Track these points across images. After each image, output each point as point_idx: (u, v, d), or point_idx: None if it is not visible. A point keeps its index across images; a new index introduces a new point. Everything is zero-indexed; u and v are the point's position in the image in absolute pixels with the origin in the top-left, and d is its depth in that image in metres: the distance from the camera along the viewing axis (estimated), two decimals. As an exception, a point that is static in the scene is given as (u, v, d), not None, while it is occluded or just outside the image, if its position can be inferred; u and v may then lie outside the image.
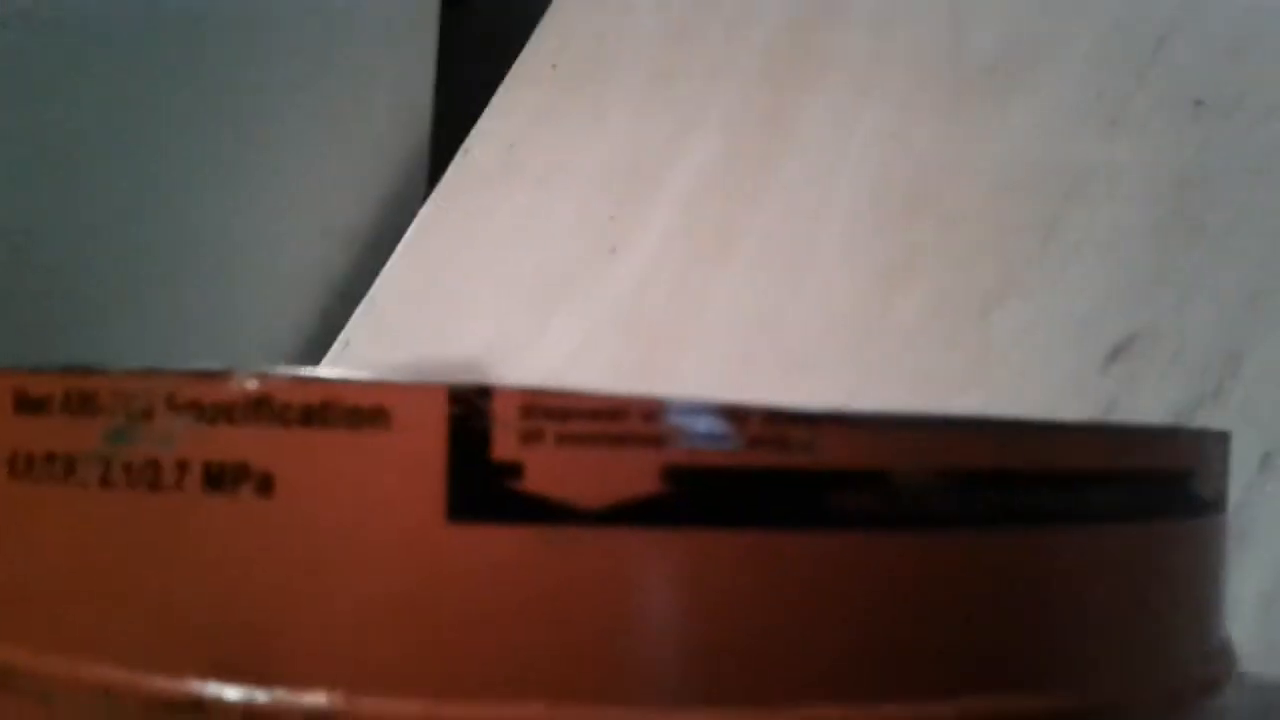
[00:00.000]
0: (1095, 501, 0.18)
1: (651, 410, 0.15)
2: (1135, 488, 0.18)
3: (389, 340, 0.68)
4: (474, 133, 0.72)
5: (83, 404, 0.17)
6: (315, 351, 0.69)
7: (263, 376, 0.16)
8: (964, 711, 0.16)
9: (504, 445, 0.15)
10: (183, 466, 0.16)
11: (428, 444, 0.15)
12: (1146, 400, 0.48)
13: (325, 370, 0.16)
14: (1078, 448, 0.17)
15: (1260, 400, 0.45)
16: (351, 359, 0.67)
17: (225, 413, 0.16)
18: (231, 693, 0.16)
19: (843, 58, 0.64)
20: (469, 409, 0.15)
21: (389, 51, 0.73)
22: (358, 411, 0.16)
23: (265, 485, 0.16)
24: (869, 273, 0.57)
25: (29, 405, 0.18)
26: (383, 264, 0.70)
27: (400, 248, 0.70)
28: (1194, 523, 0.20)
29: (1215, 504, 0.21)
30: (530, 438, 0.15)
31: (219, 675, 0.16)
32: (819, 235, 0.60)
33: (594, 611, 0.15)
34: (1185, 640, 0.20)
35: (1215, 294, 0.48)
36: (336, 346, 0.68)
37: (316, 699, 0.15)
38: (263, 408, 0.16)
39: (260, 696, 0.16)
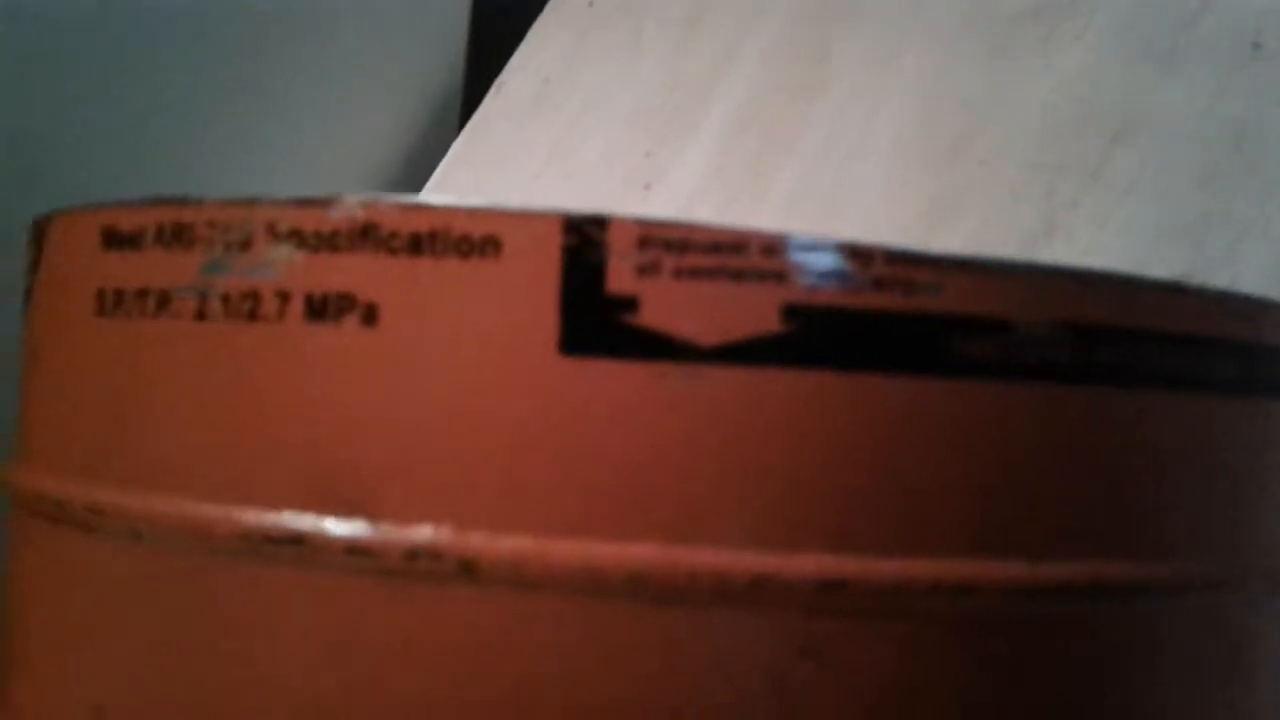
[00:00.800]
0: (1210, 368, 0.17)
1: (773, 244, 0.15)
2: (1251, 361, 0.18)
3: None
4: (509, 67, 0.72)
5: (177, 236, 0.17)
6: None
7: (369, 203, 0.15)
8: (1070, 574, 0.16)
9: (619, 277, 0.15)
10: (284, 297, 0.16)
11: (540, 274, 0.15)
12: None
13: (434, 197, 0.15)
14: (1198, 312, 0.17)
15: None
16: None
17: (329, 241, 0.16)
18: (333, 526, 0.15)
19: (883, 1, 0.63)
20: (584, 239, 0.15)
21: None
22: (468, 240, 0.15)
23: (370, 316, 0.15)
24: (910, 211, 0.56)
25: (118, 240, 0.17)
26: (417, 194, 0.70)
27: (433, 180, 0.70)
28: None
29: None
30: (647, 270, 0.15)
31: (320, 508, 0.15)
32: (859, 173, 0.59)
33: (710, 452, 0.15)
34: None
35: (1266, 240, 0.47)
36: (366, 277, 0.67)
37: (422, 533, 0.15)
38: (369, 235, 0.15)
39: (363, 530, 0.15)
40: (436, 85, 0.74)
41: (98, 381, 0.18)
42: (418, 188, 0.71)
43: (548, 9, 0.74)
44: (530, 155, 0.68)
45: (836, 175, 0.60)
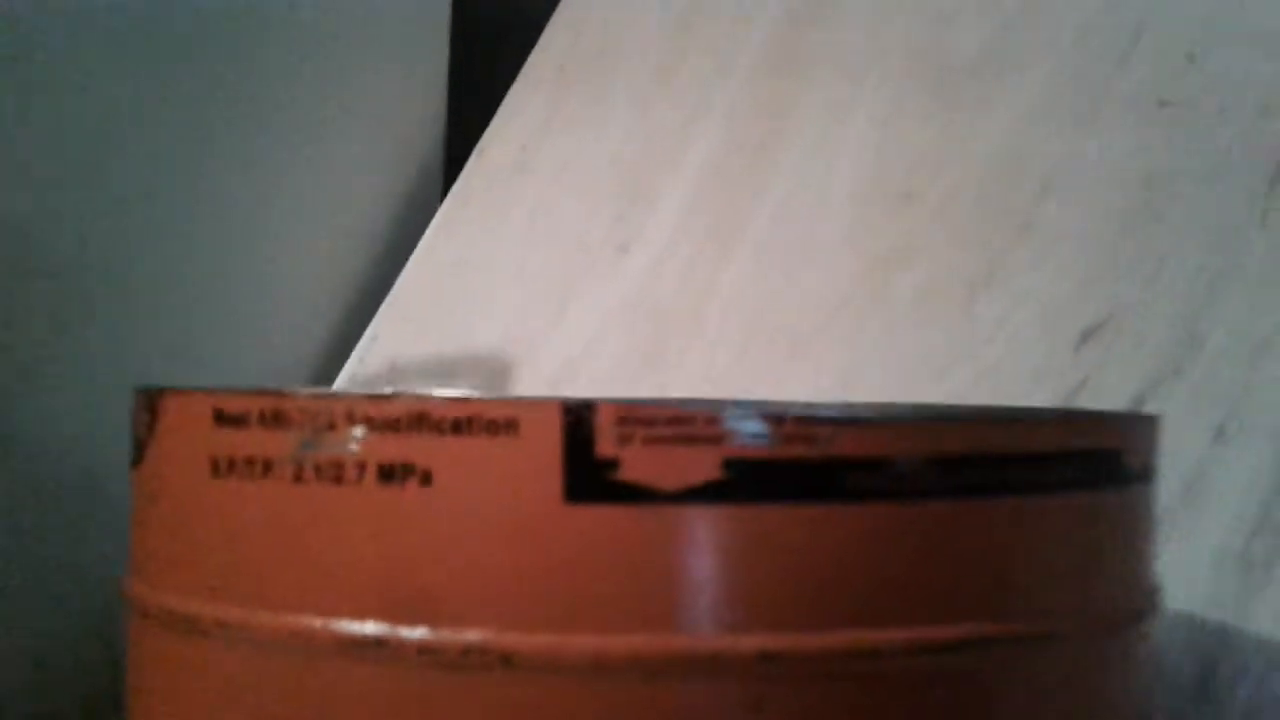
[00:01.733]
0: (1047, 476, 0.24)
1: (713, 416, 0.21)
2: (1079, 463, 0.24)
3: (413, 333, 0.74)
4: (487, 134, 0.78)
5: (276, 419, 0.23)
6: (344, 346, 0.74)
7: (422, 397, 0.22)
8: (951, 635, 0.22)
9: (605, 445, 0.21)
10: (361, 465, 0.22)
11: (548, 446, 0.21)
12: (1114, 379, 0.54)
13: (469, 391, 0.22)
14: (1038, 432, 0.24)
15: (1216, 378, 0.51)
16: (379, 352, 0.73)
17: (393, 425, 0.22)
18: (406, 632, 0.22)
19: (838, 54, 0.69)
20: (578, 418, 0.21)
21: (403, 61, 0.78)
22: (495, 423, 0.22)
23: (426, 478, 0.22)
24: (866, 260, 0.63)
25: (227, 419, 0.24)
26: (404, 262, 0.76)
27: (421, 246, 0.76)
28: (1124, 491, 0.26)
29: (1143, 476, 0.27)
30: (624, 439, 0.21)
31: (395, 619, 0.22)
32: (820, 225, 0.66)
33: (677, 566, 0.21)
34: (1117, 581, 0.26)
35: (1177, 281, 0.54)
36: (365, 340, 0.73)
37: (472, 635, 0.21)
38: (423, 421, 0.22)
39: (428, 634, 0.22)
40: (419, 152, 0.80)
41: (215, 526, 0.24)
42: (408, 248, 0.77)
43: (521, 76, 0.80)
44: (512, 219, 0.75)
45: (799, 227, 0.67)
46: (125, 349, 0.64)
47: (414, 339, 0.73)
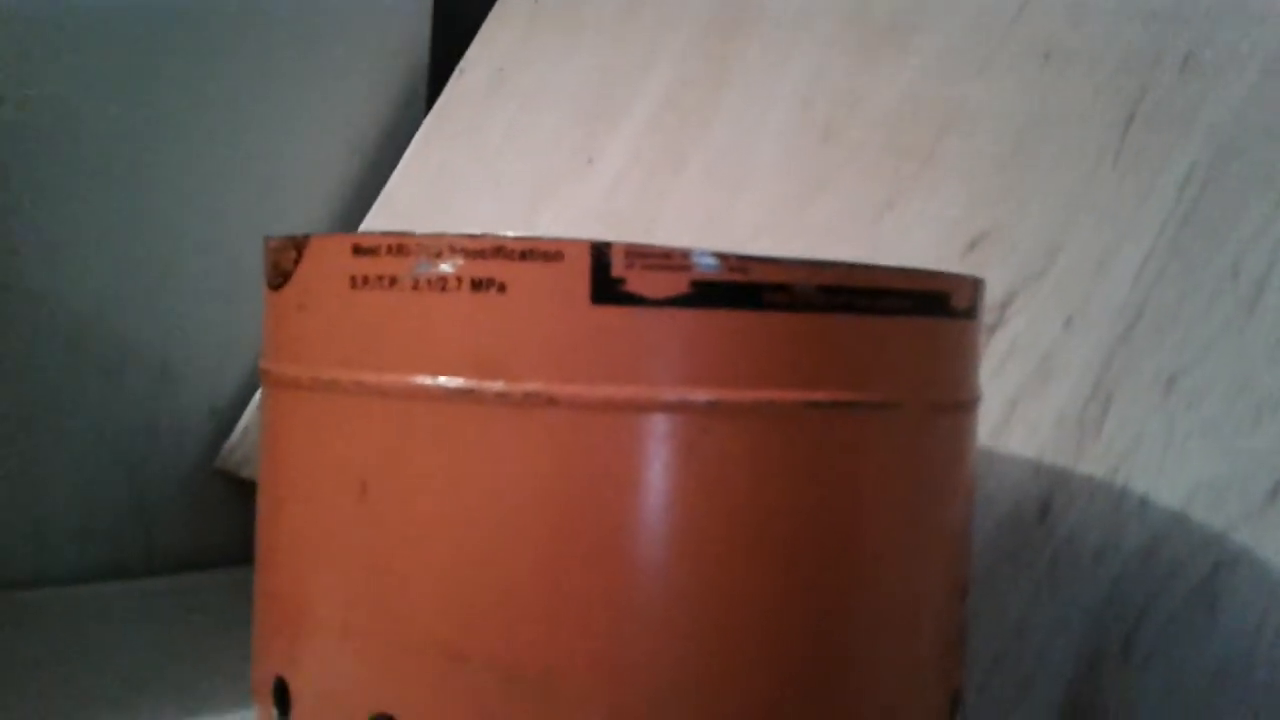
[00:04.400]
0: (895, 304, 0.39)
1: (685, 254, 0.36)
2: (915, 298, 0.40)
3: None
4: (466, 56, 0.91)
5: (400, 250, 0.38)
6: (338, 242, 0.88)
7: (500, 237, 0.36)
8: (825, 396, 0.38)
9: (617, 269, 0.36)
10: (459, 280, 0.37)
11: (581, 269, 0.36)
12: (991, 280, 0.70)
13: (535, 234, 0.36)
14: (886, 276, 0.39)
15: (1069, 282, 0.68)
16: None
17: (481, 253, 0.37)
18: (489, 385, 0.37)
19: (776, 12, 0.84)
20: (600, 252, 0.36)
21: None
22: (547, 253, 0.36)
23: (502, 288, 0.37)
24: (793, 183, 0.78)
25: (362, 250, 0.38)
26: (391, 170, 0.89)
27: (406, 157, 0.90)
28: (950, 321, 0.42)
29: (966, 314, 0.43)
30: (629, 266, 0.36)
31: (481, 377, 0.37)
32: (755, 154, 0.81)
33: (660, 339, 0.36)
34: (947, 377, 0.42)
35: (1043, 206, 0.70)
36: (358, 237, 0.87)
37: (531, 385, 0.36)
38: (500, 251, 0.37)
39: (503, 386, 0.36)
40: (404, 73, 0.93)
41: (353, 320, 0.39)
42: (395, 158, 0.91)
43: (498, 4, 0.93)
44: (489, 135, 0.89)
45: (738, 155, 0.82)
46: (144, 229, 0.77)
47: (402, 238, 0.86)
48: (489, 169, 0.87)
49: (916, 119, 0.76)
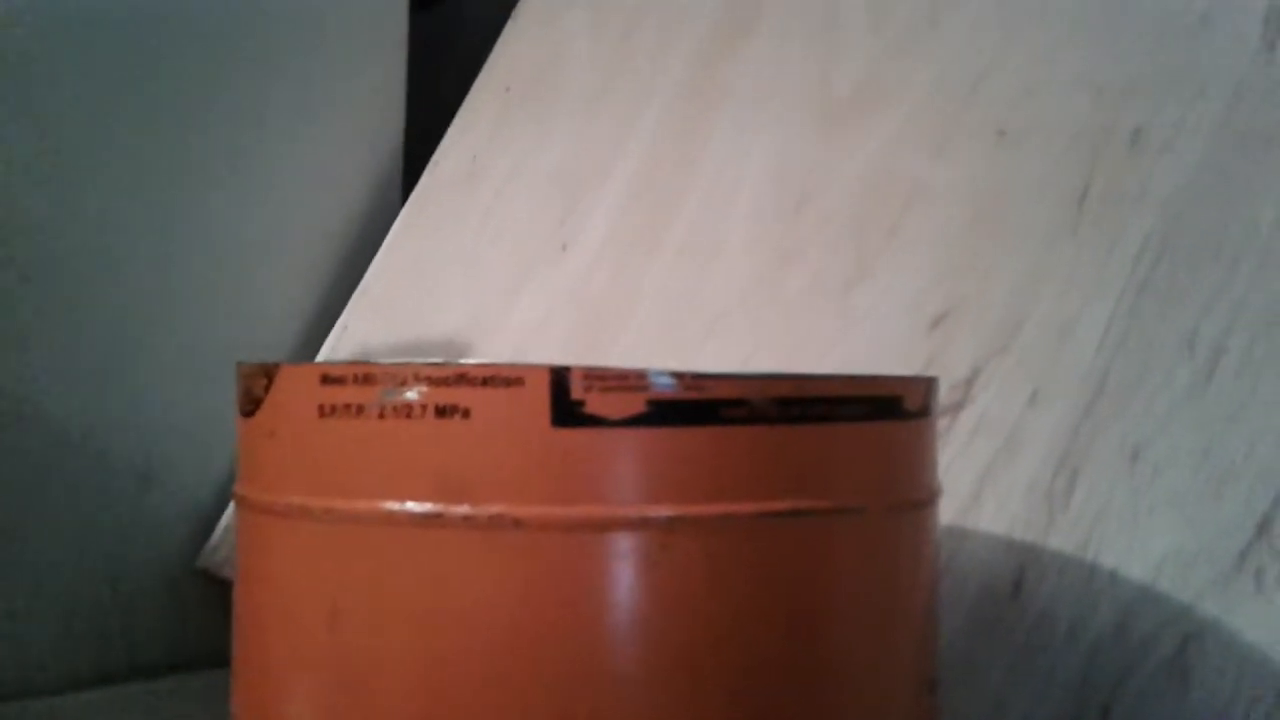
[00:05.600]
0: (849, 411, 0.40)
1: (641, 375, 0.37)
2: (869, 404, 0.41)
3: (381, 323, 0.88)
4: (441, 146, 0.93)
5: (366, 379, 0.39)
6: (317, 334, 0.89)
7: (463, 365, 0.37)
8: (783, 506, 0.39)
9: (576, 392, 0.37)
10: (424, 407, 0.38)
11: (541, 393, 0.37)
12: (956, 355, 0.71)
13: (493, 360, 0.37)
14: (839, 384, 0.40)
15: (1032, 355, 0.69)
16: (350, 339, 0.88)
17: (445, 381, 0.38)
18: (454, 508, 0.37)
19: (743, 87, 0.86)
20: (559, 377, 0.37)
21: (365, 81, 0.93)
22: (509, 379, 0.37)
23: (466, 414, 0.38)
24: (764, 259, 0.80)
25: (331, 380, 0.39)
26: (369, 260, 0.91)
27: (384, 246, 0.91)
28: (905, 423, 0.43)
29: (920, 413, 0.44)
30: (588, 389, 0.37)
31: (447, 501, 0.38)
32: (725, 231, 0.83)
33: (620, 459, 0.37)
34: (904, 477, 0.43)
35: (1005, 279, 0.72)
36: (337, 329, 0.88)
37: (496, 508, 0.37)
38: (463, 378, 0.38)
39: (469, 509, 0.37)
40: (379, 165, 0.94)
41: (321, 447, 0.39)
42: (372, 249, 0.92)
43: (471, 94, 0.95)
44: (465, 222, 0.90)
45: (711, 230, 0.83)
46: (121, 333, 0.78)
47: (381, 328, 0.88)
48: (466, 257, 0.88)
49: (880, 193, 0.78)
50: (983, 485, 0.66)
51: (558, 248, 0.86)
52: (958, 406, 0.68)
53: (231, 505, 0.82)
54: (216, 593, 0.75)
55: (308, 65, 0.89)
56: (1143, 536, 0.62)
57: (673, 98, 0.88)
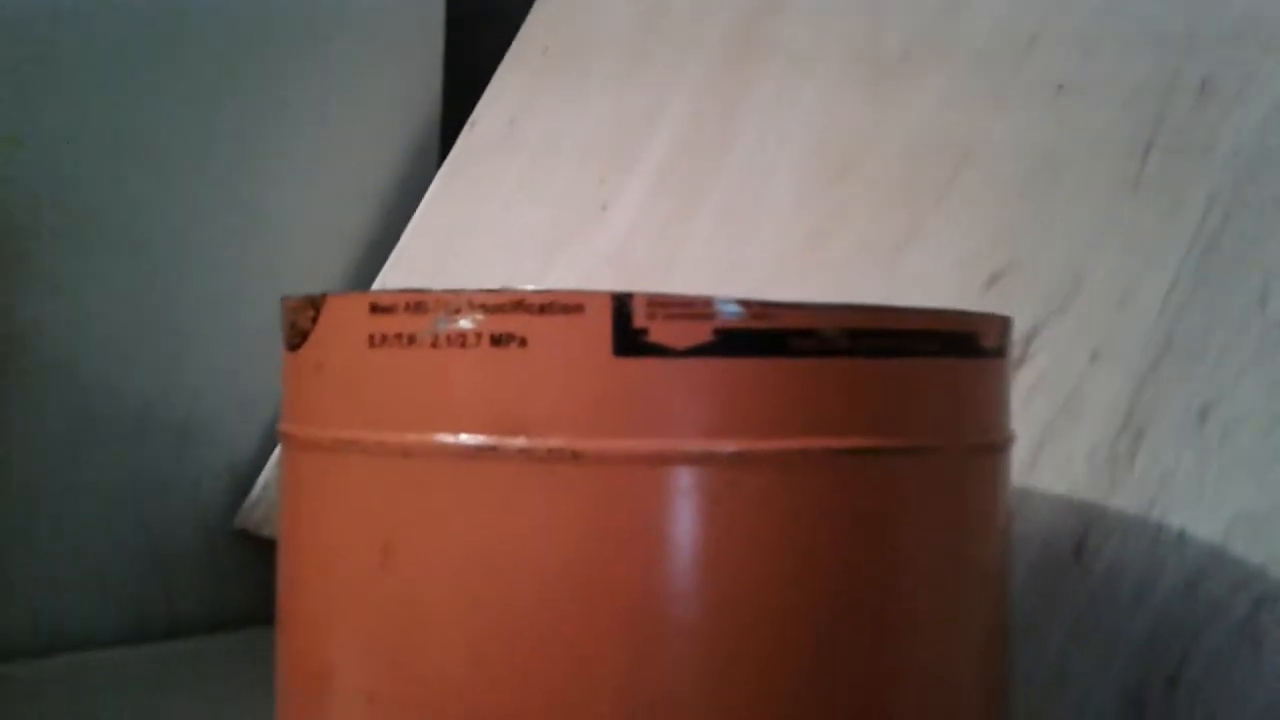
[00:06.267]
0: (923, 346, 0.38)
1: (708, 302, 0.36)
2: (944, 339, 0.39)
3: (418, 286, 0.87)
4: (477, 109, 0.91)
5: (418, 307, 0.37)
6: (354, 296, 0.87)
7: (519, 291, 0.36)
8: (852, 444, 0.37)
9: (639, 320, 0.36)
10: (479, 335, 0.36)
11: (602, 320, 0.36)
12: (1014, 315, 0.69)
13: (551, 286, 0.36)
14: (913, 317, 0.38)
15: (1093, 314, 0.67)
16: (386, 302, 0.86)
17: (500, 308, 0.36)
18: (510, 441, 0.36)
19: (787, 45, 0.84)
20: (622, 303, 0.36)
21: (402, 44, 0.91)
22: (568, 306, 0.36)
23: (523, 343, 0.36)
24: (809, 223, 0.78)
25: (380, 309, 0.38)
26: (406, 223, 0.89)
27: (420, 210, 0.89)
28: (979, 360, 0.41)
29: (995, 353, 0.42)
30: (651, 316, 0.36)
31: (503, 433, 0.36)
32: (770, 193, 0.81)
33: (686, 389, 0.36)
34: (979, 418, 0.41)
35: (1064, 237, 0.69)
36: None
37: (554, 441, 0.36)
38: (520, 305, 0.36)
39: (525, 442, 0.36)
40: (416, 127, 0.93)
41: (372, 380, 0.38)
42: (406, 214, 0.90)
43: (508, 57, 0.93)
44: (502, 185, 0.88)
45: (753, 194, 0.81)
46: (160, 292, 0.77)
47: (418, 290, 0.86)
48: (502, 221, 0.87)
49: (933, 152, 0.75)
50: (1042, 447, 0.64)
51: (597, 210, 0.84)
52: (1016, 365, 0.66)
53: (269, 464, 0.81)
54: (255, 551, 0.74)
55: (346, 29, 0.87)
56: (1211, 498, 0.60)
57: (714, 56, 0.86)
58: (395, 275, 0.87)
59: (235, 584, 0.75)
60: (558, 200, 0.86)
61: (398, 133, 0.92)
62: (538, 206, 0.86)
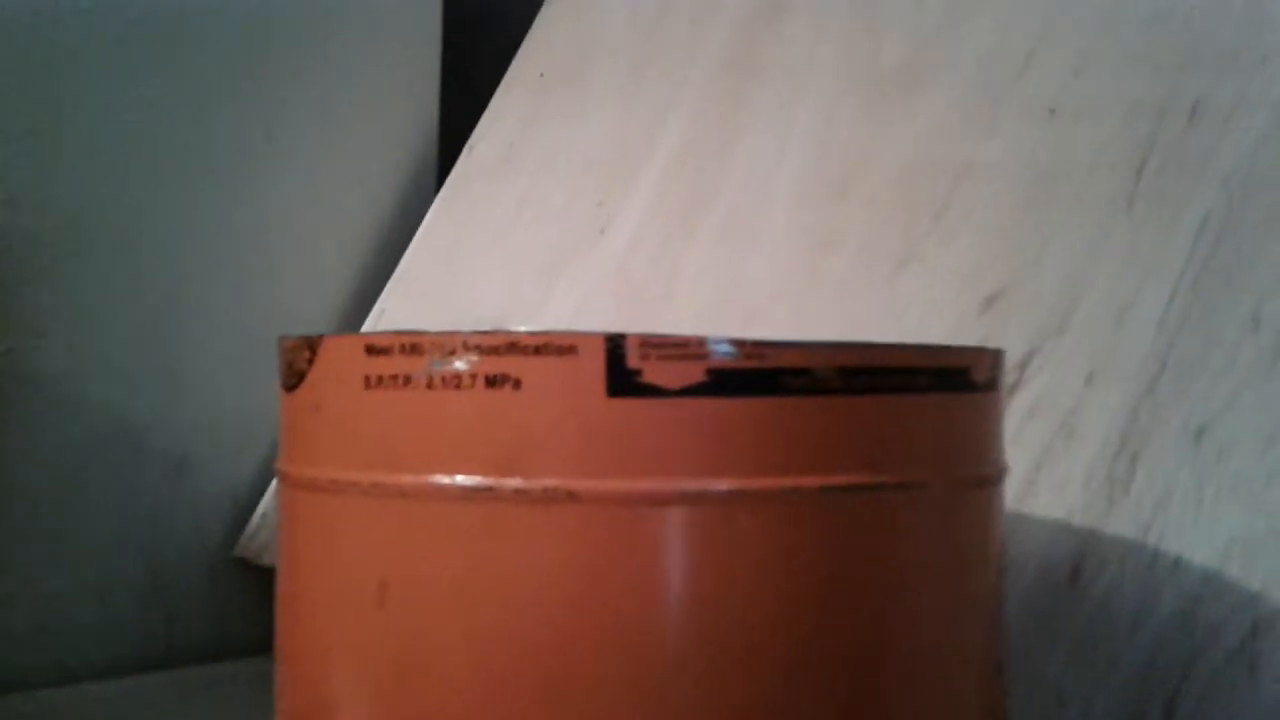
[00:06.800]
0: (915, 382, 0.39)
1: (701, 343, 0.36)
2: (935, 375, 0.39)
3: (416, 310, 0.87)
4: (476, 132, 0.92)
5: (413, 349, 0.37)
6: (354, 321, 0.88)
7: (513, 333, 0.36)
8: (845, 481, 0.37)
9: (632, 360, 0.36)
10: (474, 376, 0.36)
11: (596, 361, 0.36)
12: (1009, 338, 0.69)
13: (544, 327, 0.36)
14: (906, 354, 0.38)
15: (1089, 335, 0.67)
16: (387, 324, 0.87)
17: (495, 349, 0.36)
18: (506, 482, 0.36)
19: (783, 64, 0.84)
20: (615, 344, 0.36)
21: (399, 68, 0.92)
22: (562, 347, 0.36)
23: (517, 384, 0.36)
24: (806, 243, 0.78)
25: (375, 350, 0.38)
26: (405, 246, 0.89)
27: (420, 231, 0.90)
28: (971, 395, 0.41)
29: (986, 387, 0.42)
30: (644, 357, 0.36)
31: (499, 474, 0.36)
32: (766, 213, 0.81)
33: (677, 430, 0.36)
34: (972, 452, 0.41)
35: (1059, 257, 0.70)
36: (373, 315, 0.87)
37: (549, 481, 0.36)
38: (515, 347, 0.36)
39: (521, 483, 0.36)
40: (414, 151, 0.93)
41: (367, 421, 0.38)
42: (408, 235, 0.91)
43: (505, 80, 0.94)
44: (501, 207, 0.89)
45: (751, 215, 0.82)
46: (160, 320, 0.77)
47: (418, 314, 0.87)
48: (502, 244, 0.87)
49: (928, 173, 0.76)
50: (1039, 470, 0.64)
51: (595, 232, 0.84)
52: (1012, 389, 0.66)
53: (269, 492, 0.81)
54: (254, 580, 0.74)
55: (343, 52, 0.88)
56: (1208, 521, 0.60)
57: (711, 78, 0.87)
58: (394, 299, 0.87)
59: (235, 613, 0.75)
60: (557, 223, 0.86)
61: (396, 156, 0.93)
62: (537, 230, 0.87)
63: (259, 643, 0.69)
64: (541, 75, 0.92)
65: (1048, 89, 0.75)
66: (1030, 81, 0.76)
